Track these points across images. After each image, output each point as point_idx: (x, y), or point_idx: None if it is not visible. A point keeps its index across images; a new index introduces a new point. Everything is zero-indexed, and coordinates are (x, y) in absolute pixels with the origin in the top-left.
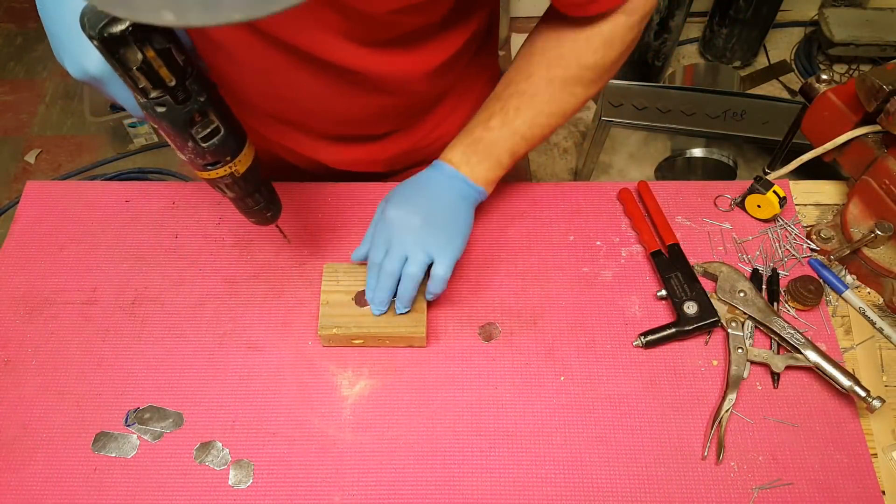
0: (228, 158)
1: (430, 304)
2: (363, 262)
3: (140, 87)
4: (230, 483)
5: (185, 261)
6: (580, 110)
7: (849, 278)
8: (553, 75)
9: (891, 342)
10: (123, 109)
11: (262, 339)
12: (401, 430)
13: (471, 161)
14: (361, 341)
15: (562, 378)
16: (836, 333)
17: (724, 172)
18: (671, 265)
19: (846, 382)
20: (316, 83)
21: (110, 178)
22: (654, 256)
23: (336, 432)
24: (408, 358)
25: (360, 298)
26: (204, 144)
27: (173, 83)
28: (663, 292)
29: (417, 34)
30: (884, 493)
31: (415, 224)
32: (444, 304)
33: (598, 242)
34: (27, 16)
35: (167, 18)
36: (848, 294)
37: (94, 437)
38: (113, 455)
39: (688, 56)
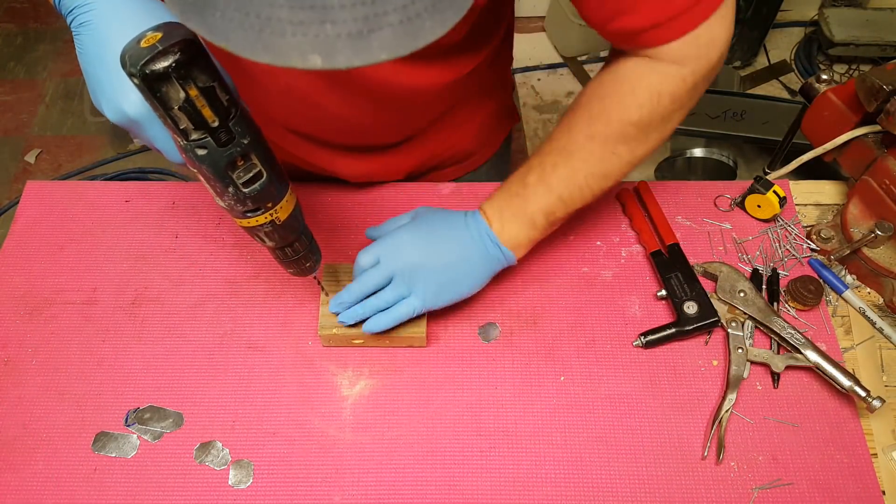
0: (270, 205)
1: None
2: None
3: (181, 128)
4: (230, 483)
5: (185, 261)
6: (626, 175)
7: (849, 278)
8: (594, 131)
9: (891, 342)
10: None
11: (262, 339)
12: (401, 430)
13: (504, 216)
14: (361, 341)
15: (562, 378)
16: (836, 333)
17: (724, 172)
18: (671, 265)
19: (846, 382)
20: (335, 99)
21: (110, 178)
22: (654, 256)
23: (336, 432)
24: (408, 358)
25: None
26: (245, 190)
27: (216, 124)
28: (663, 292)
29: (442, 50)
30: (884, 493)
31: (426, 269)
32: None
33: (598, 242)
34: (27, 16)
35: (314, 62)
36: (848, 294)
37: (94, 437)
38: (113, 455)
39: None
